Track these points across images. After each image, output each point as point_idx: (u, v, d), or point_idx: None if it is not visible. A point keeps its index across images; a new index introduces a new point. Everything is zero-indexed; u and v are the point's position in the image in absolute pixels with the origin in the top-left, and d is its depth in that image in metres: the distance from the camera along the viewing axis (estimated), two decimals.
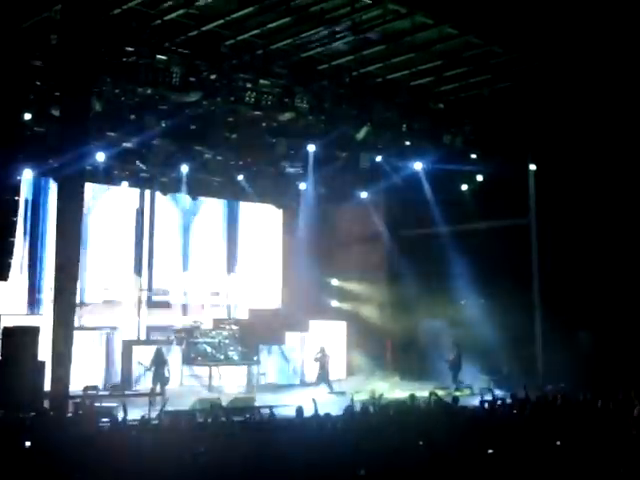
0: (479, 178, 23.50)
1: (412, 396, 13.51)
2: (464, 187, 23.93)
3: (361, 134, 20.29)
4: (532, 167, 22.73)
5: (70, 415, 13.30)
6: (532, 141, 21.95)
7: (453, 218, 23.90)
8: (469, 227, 23.71)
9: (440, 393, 13.69)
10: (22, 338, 16.48)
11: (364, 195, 25.79)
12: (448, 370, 22.20)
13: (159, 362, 19.59)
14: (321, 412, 11.50)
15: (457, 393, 17.61)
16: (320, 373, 22.03)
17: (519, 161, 22.47)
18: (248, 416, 13.62)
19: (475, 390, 21.09)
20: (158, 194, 23.55)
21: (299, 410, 11.84)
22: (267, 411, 12.48)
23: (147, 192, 23.59)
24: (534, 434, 10.32)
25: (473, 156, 22.69)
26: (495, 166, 22.42)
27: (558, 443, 9.91)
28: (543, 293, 22.27)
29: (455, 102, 20.81)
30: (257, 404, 17.81)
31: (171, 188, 23.06)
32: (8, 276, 17.04)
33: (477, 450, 9.63)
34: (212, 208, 25.07)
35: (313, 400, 12.04)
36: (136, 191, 23.34)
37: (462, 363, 22.23)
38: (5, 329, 17.19)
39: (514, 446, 9.74)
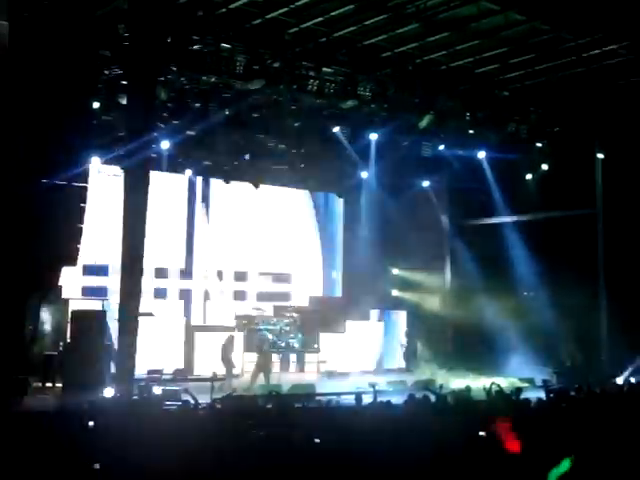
0: (544, 167, 23.13)
1: (468, 387, 13.45)
2: (528, 176, 23.59)
3: (424, 122, 20.12)
4: (599, 156, 22.28)
5: (135, 397, 13.58)
6: (599, 129, 21.49)
7: (517, 207, 23.63)
8: (533, 217, 23.41)
9: (502, 384, 13.53)
10: (89, 322, 16.88)
11: (426, 184, 25.64)
12: (402, 355, 23.92)
13: (229, 348, 19.86)
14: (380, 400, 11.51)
15: (521, 385, 17.37)
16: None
17: (586, 150, 22.03)
18: (307, 403, 13.70)
19: (537, 382, 20.85)
20: (213, 181, 23.68)
21: (358, 397, 11.87)
22: (327, 398, 12.55)
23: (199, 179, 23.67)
24: (598, 428, 10.14)
25: (538, 144, 22.34)
26: (561, 155, 22.04)
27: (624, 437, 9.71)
28: (609, 285, 21.83)
29: (520, 90, 20.47)
30: (317, 391, 17.96)
31: (234, 176, 23.27)
32: (77, 261, 17.49)
33: (539, 443, 9.52)
34: (272, 196, 25.11)
35: (372, 385, 12.06)
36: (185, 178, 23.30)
37: (417, 350, 23.92)
38: (73, 313, 17.64)
39: (578, 439, 9.59)
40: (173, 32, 15.93)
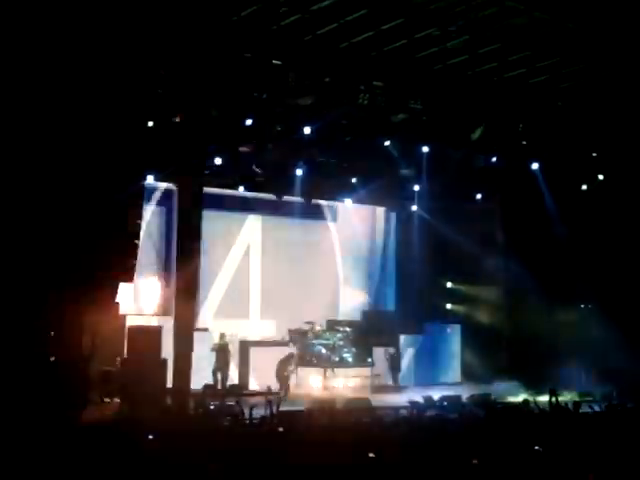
0: (600, 177, 22.73)
1: (526, 401, 13.27)
2: (584, 187, 23.20)
3: (476, 134, 20.02)
4: None
5: (192, 412, 13.71)
6: None
7: (572, 219, 23.22)
8: (589, 229, 22.98)
9: (560, 398, 13.29)
10: (145, 338, 17.12)
11: (479, 196, 25.39)
12: (388, 369, 23.01)
13: (287, 365, 20.01)
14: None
15: (579, 399, 17.03)
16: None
17: None
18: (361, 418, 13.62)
19: (596, 397, 20.42)
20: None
21: (413, 411, 11.81)
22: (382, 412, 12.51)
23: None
24: None
25: (594, 154, 21.99)
26: (617, 164, 21.66)
27: None
28: None
29: (574, 99, 20.21)
30: (371, 405, 17.86)
31: (285, 191, 23.33)
32: (133, 278, 17.76)
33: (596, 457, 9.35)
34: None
35: (427, 399, 12.01)
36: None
37: (400, 364, 23.13)
38: (130, 328, 17.90)
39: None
40: (225, 50, 16.15)
